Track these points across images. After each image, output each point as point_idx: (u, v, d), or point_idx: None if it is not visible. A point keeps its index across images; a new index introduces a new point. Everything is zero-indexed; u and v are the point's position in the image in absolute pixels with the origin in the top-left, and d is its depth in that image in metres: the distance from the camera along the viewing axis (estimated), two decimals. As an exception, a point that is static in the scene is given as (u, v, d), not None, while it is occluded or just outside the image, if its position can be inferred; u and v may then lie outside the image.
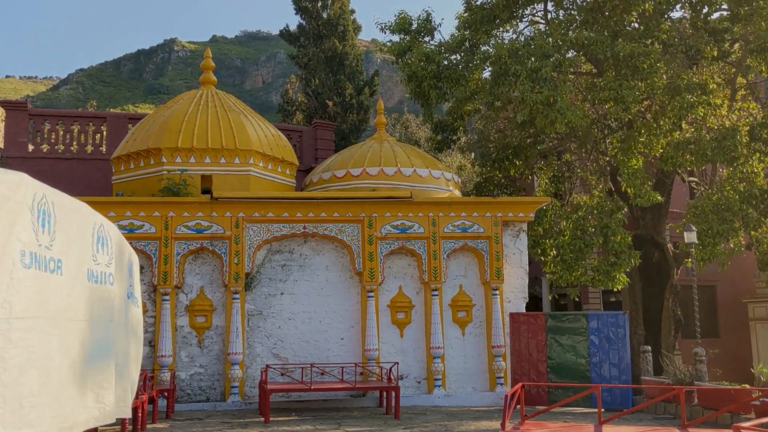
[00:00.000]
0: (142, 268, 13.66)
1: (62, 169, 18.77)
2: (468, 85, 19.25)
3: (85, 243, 5.84)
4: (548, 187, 20.01)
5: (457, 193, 16.34)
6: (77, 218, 5.72)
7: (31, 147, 18.90)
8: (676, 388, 7.71)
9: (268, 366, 12.53)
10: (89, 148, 19.19)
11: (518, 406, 7.40)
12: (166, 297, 13.50)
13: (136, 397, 9.78)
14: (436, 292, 14.29)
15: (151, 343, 13.51)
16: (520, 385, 7.20)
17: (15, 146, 18.71)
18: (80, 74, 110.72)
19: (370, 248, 14.11)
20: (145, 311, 13.52)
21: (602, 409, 11.06)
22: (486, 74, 19.44)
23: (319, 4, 25.42)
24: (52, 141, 19.13)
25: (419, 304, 14.40)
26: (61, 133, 19.12)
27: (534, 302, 25.15)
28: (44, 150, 19.02)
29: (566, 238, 16.72)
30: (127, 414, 7.01)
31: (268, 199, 13.89)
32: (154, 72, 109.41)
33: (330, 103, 23.61)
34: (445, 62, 19.33)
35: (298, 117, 25.25)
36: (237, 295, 13.67)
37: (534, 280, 23.81)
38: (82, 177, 18.68)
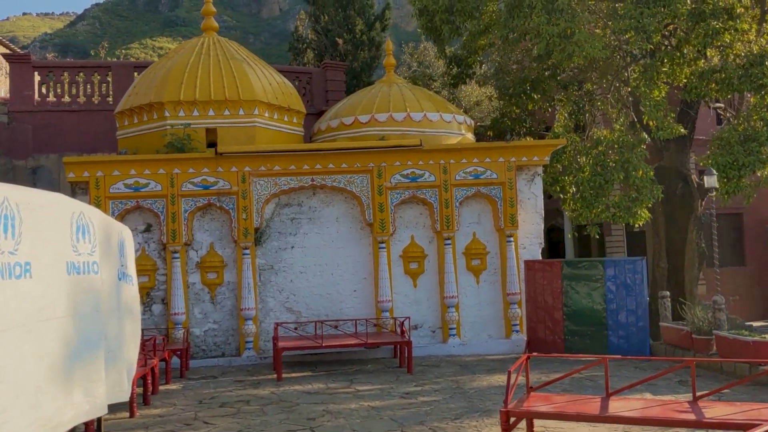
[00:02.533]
0: (150, 226, 13.56)
1: (69, 122, 18.57)
2: (482, 18, 18.51)
3: (61, 236, 5.60)
4: (567, 121, 19.39)
5: (470, 136, 15.83)
6: (50, 213, 5.46)
7: (38, 99, 18.64)
8: (687, 360, 7.42)
9: (278, 324, 12.47)
10: (96, 99, 18.90)
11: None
12: (176, 255, 13.40)
13: (143, 364, 9.81)
14: (449, 241, 14.01)
15: (164, 301, 13.51)
16: (525, 356, 6.96)
17: (21, 100, 18.46)
18: (96, 9, 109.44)
19: (380, 199, 13.79)
20: (156, 269, 13.50)
21: (618, 356, 10.91)
22: (500, 6, 18.66)
23: (327, -64, 24.33)
24: (58, 93, 18.86)
25: (432, 254, 14.16)
26: (67, 84, 18.80)
27: (556, 234, 24.92)
28: (50, 102, 18.76)
29: (586, 174, 16.17)
30: (124, 398, 6.92)
31: (273, 153, 13.56)
32: (169, 4, 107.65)
33: (340, 41, 22.88)
34: (458, -5, 18.53)
35: (308, 55, 24.59)
36: (247, 251, 13.53)
37: (556, 213, 23.47)
38: (90, 129, 18.46)
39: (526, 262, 13.84)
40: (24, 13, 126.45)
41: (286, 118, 15.00)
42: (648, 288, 13.64)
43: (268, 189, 13.66)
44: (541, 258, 14.72)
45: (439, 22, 18.81)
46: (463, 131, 15.53)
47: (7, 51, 23.56)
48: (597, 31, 17.19)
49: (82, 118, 18.60)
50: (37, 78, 18.65)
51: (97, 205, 13.11)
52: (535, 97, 19.36)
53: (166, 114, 14.08)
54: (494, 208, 14.25)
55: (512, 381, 6.47)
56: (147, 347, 10.45)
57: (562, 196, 17.20)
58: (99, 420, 7.37)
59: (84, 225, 6.08)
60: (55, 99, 18.83)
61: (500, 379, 10.79)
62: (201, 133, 14.08)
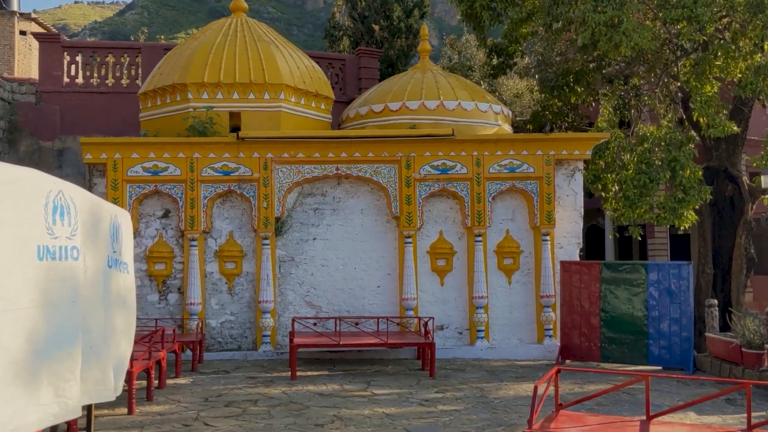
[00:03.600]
0: (168, 212, 13.05)
1: (98, 103, 18.20)
2: (524, 5, 17.66)
3: (32, 217, 5.00)
4: (612, 116, 18.44)
5: (507, 127, 14.97)
6: (16, 191, 4.86)
7: (66, 80, 18.32)
8: (743, 382, 6.54)
9: (295, 319, 11.86)
10: (125, 81, 18.51)
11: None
12: (194, 242, 12.85)
13: (147, 357, 9.25)
14: (480, 238, 13.21)
15: (180, 290, 12.98)
16: (554, 369, 6.17)
17: (49, 80, 18.15)
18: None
19: (407, 191, 13.05)
20: (173, 257, 12.99)
21: (660, 367, 10.01)
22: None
23: None
24: (87, 74, 18.51)
25: (461, 251, 13.38)
26: (96, 65, 18.44)
27: (598, 235, 23.92)
28: (79, 84, 18.42)
29: (630, 172, 15.37)
30: (110, 397, 6.31)
31: (296, 139, 12.92)
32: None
33: (376, 27, 22.13)
34: (500, -21, 17.73)
35: (344, 43, 23.90)
36: (267, 241, 12.92)
37: (596, 212, 22.52)
38: (119, 111, 18.05)
39: (562, 263, 12.97)
40: (75, 2, 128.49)
41: (313, 104, 14.34)
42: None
43: (291, 177, 13.03)
44: (578, 259, 13.85)
45: (480, 8, 17.98)
46: (500, 122, 14.68)
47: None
48: (646, 22, 16.30)
49: (111, 100, 18.21)
50: (66, 58, 18.33)
51: (114, 189, 12.67)
52: (579, 90, 18.50)
53: (189, 96, 13.53)
54: (530, 205, 13.41)
55: (539, 397, 5.69)
56: (154, 339, 9.90)
57: (603, 194, 16.44)
58: (90, 417, 6.81)
59: (63, 205, 5.45)
60: (83, 80, 18.49)
61: (529, 388, 9.99)
62: (224, 117, 13.50)
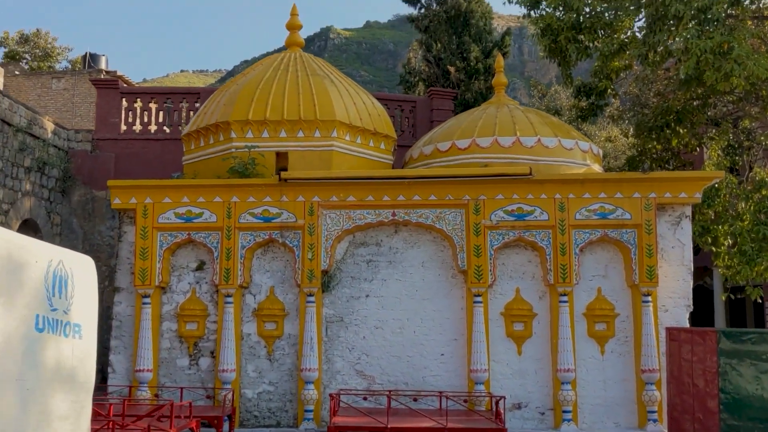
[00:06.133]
0: (203, 263, 11.51)
1: (154, 150, 17.28)
2: (616, 36, 15.71)
3: None
4: (721, 160, 16.08)
5: (597, 167, 12.82)
6: None
7: (123, 128, 17.49)
8: None
9: (340, 392, 9.93)
10: (183, 127, 17.52)
11: None
12: (230, 299, 11.21)
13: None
14: (565, 298, 11.00)
15: (213, 354, 11.31)
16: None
17: (106, 127, 17.40)
18: (244, 65, 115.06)
19: (476, 240, 11.04)
20: (206, 315, 11.40)
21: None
22: (638, 23, 15.87)
23: (442, -43, 22.28)
24: (145, 121, 17.65)
25: (543, 313, 11.17)
26: (154, 110, 17.56)
27: (704, 297, 21.08)
28: (137, 131, 17.55)
29: (746, 223, 13.49)
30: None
31: (345, 180, 11.21)
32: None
33: (452, 69, 20.49)
34: (587, 9, 15.88)
35: (420, 88, 22.40)
36: (312, 298, 11.14)
37: (703, 271, 19.99)
38: (175, 158, 16.97)
39: (669, 331, 10.54)
40: (182, 70, 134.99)
41: (371, 143, 12.65)
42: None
43: (340, 224, 11.28)
44: (688, 325, 11.39)
45: (565, 41, 16.09)
46: (589, 161, 12.55)
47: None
48: (761, 48, 14.20)
49: (167, 146, 17.23)
50: (124, 105, 17.55)
51: (143, 237, 11.26)
52: (681, 131, 16.28)
53: (233, 135, 12.12)
54: (626, 258, 11.14)
55: None
56: (159, 414, 8.19)
57: (714, 249, 14.35)
58: None
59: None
60: (141, 127, 17.63)
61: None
62: (270, 157, 11.97)
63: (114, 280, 12.02)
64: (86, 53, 33.62)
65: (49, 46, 40.74)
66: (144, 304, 11.24)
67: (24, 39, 40.69)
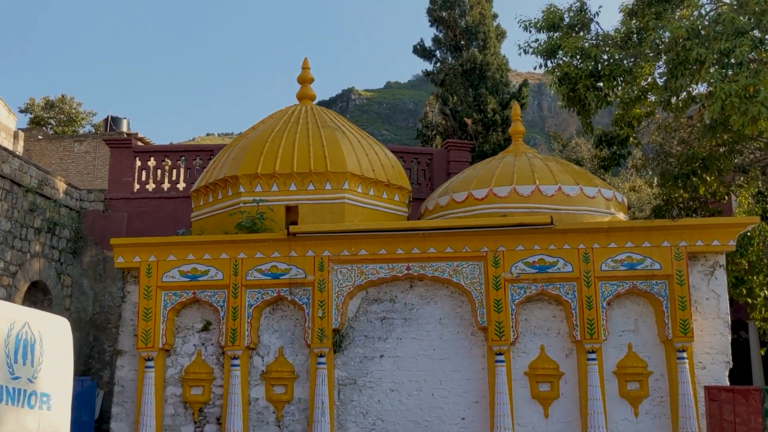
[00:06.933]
0: (209, 324, 10.97)
1: (167, 208, 16.98)
2: (636, 83, 15.26)
3: None
4: (752, 207, 15.37)
5: (622, 216, 12.19)
6: None
7: (137, 186, 17.26)
8: None
9: (351, 461, 9.19)
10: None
11: None
12: (236, 361, 10.61)
13: None
14: (593, 355, 10.25)
15: (219, 421, 10.66)
16: None
17: (119, 186, 17.19)
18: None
19: (497, 294, 10.40)
20: (212, 379, 10.78)
21: None
22: (659, 70, 15.43)
23: (457, 11, 22.21)
24: (158, 179, 17.42)
25: (570, 372, 10.42)
26: (167, 169, 17.34)
27: (739, 351, 20.00)
28: (150, 189, 17.31)
29: None
30: None
31: (355, 233, 10.70)
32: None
33: (469, 121, 20.15)
34: (605, 56, 15.48)
35: (436, 141, 22.07)
36: (323, 359, 10.51)
37: (738, 324, 19.05)
38: (189, 215, 16.73)
39: (708, 390, 9.72)
40: (207, 134, 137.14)
41: (384, 195, 12.17)
42: None
43: (352, 279, 10.72)
44: (728, 383, 10.55)
45: (583, 89, 15.66)
46: (613, 210, 11.93)
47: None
48: None
49: (179, 205, 16.91)
50: (137, 164, 17.37)
51: (147, 297, 10.78)
52: (708, 179, 15.61)
53: (241, 190, 11.72)
54: (658, 311, 10.41)
55: None
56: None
57: (749, 300, 13.62)
58: None
59: None
60: (154, 186, 17.38)
61: None
62: (279, 211, 11.52)
63: (117, 343, 11.51)
64: (108, 116, 34.03)
65: (73, 111, 41.41)
66: (147, 368, 10.68)
67: (49, 105, 41.43)
